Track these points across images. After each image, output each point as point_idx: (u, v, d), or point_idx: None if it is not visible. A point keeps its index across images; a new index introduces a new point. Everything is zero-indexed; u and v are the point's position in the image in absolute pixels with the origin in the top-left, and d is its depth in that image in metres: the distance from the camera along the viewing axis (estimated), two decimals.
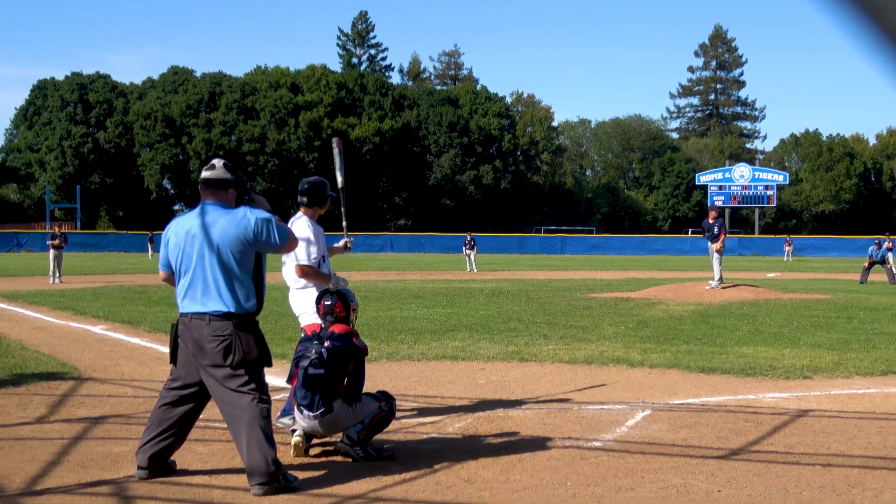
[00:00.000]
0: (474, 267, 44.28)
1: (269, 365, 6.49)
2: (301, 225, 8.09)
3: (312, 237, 8.04)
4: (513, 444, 7.62)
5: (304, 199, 8.30)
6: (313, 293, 8.02)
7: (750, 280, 31.84)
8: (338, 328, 7.32)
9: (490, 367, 11.96)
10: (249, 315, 6.39)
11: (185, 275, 6.43)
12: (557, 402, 9.54)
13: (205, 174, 6.58)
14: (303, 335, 7.33)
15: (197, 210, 6.55)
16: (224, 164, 6.66)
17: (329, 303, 7.44)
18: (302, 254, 7.90)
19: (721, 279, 24.58)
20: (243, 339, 6.28)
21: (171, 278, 6.61)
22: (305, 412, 7.08)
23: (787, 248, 69.60)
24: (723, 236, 24.96)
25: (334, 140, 9.27)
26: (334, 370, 7.07)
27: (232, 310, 6.30)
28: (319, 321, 7.62)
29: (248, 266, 6.42)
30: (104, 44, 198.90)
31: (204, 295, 6.33)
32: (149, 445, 6.49)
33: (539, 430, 8.16)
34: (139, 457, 6.52)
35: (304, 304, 8.10)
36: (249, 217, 6.42)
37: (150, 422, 6.62)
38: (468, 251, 45.14)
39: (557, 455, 7.20)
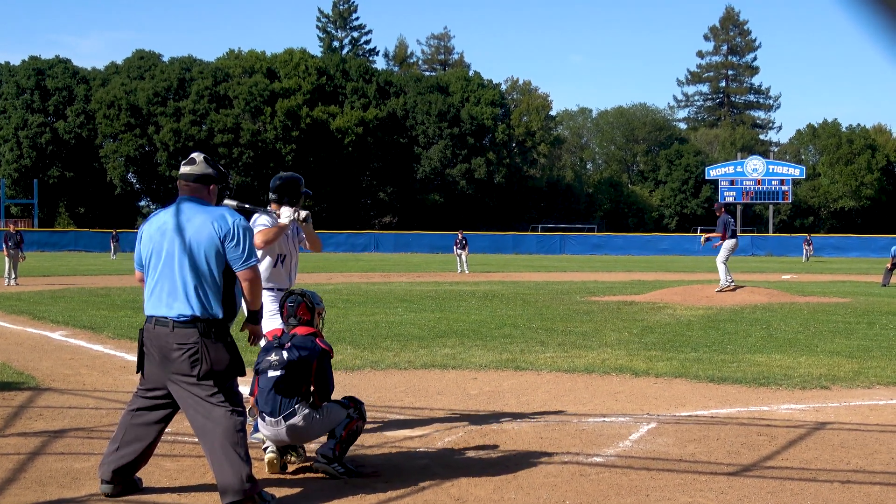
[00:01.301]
0: (465, 268, 44.33)
1: (242, 374, 6.49)
2: (260, 223, 8.26)
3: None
4: (507, 459, 7.63)
5: (275, 196, 8.45)
6: (270, 297, 8.16)
7: (763, 282, 31.89)
8: (300, 330, 7.37)
9: (483, 377, 11.96)
10: (219, 321, 6.38)
11: (153, 274, 6.44)
12: (555, 415, 9.56)
13: (184, 169, 6.61)
14: (264, 342, 7.37)
15: (173, 206, 6.57)
16: (205, 159, 6.70)
17: (292, 304, 7.48)
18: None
19: (727, 281, 24.45)
20: (210, 347, 6.27)
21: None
22: (268, 419, 7.10)
23: (806, 248, 69.47)
24: (722, 237, 24.74)
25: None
26: (295, 372, 7.12)
27: (198, 314, 6.28)
28: (280, 325, 7.71)
29: (222, 269, 6.42)
30: (64, 26, 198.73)
31: (170, 297, 6.33)
32: (114, 457, 6.47)
33: (535, 444, 8.18)
34: (102, 469, 6.49)
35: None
36: (227, 218, 6.43)
37: (117, 430, 6.61)
38: (459, 251, 45.22)
39: (555, 471, 7.21)
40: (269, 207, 8.44)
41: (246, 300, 6.59)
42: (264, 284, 8.09)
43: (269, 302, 8.13)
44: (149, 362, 6.45)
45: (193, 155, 6.72)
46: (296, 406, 7.08)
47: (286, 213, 8.34)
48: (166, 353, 6.28)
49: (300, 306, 7.46)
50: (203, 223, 6.37)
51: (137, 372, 6.60)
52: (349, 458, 7.26)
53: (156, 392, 6.53)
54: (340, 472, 7.02)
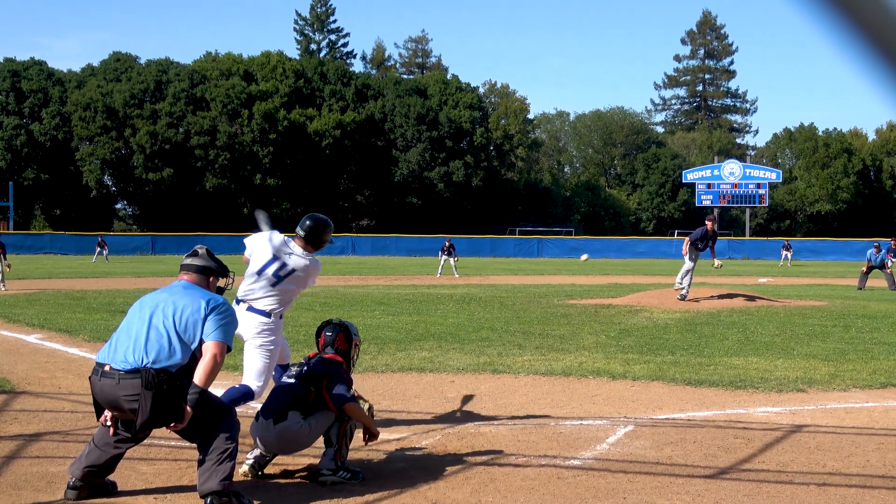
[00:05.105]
0: (455, 272, 43.95)
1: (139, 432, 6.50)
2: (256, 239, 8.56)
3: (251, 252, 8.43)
4: (485, 462, 7.63)
5: (302, 235, 8.51)
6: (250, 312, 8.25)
7: (740, 285, 32.02)
8: (332, 357, 7.54)
9: (460, 380, 11.97)
10: (162, 374, 6.30)
11: (120, 329, 6.66)
12: (533, 418, 9.57)
13: (187, 260, 6.96)
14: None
15: (175, 284, 6.86)
16: (207, 251, 7.03)
17: (330, 334, 7.71)
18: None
19: (680, 287, 24.29)
20: (145, 399, 6.22)
21: None
22: (261, 420, 7.17)
23: (785, 253, 69.49)
24: (686, 243, 24.77)
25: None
26: (307, 383, 7.24)
27: (144, 366, 6.31)
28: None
29: (185, 341, 6.45)
30: (39, 27, 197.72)
31: (122, 348, 6.47)
32: (90, 458, 6.51)
33: (513, 447, 8.19)
34: (73, 467, 6.50)
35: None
36: (217, 301, 6.66)
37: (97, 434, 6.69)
38: (445, 256, 44.48)
39: (533, 475, 7.22)
40: (292, 239, 8.49)
41: (197, 373, 6.46)
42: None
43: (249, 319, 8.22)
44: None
45: (196, 247, 7.06)
46: (289, 413, 7.13)
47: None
48: (116, 404, 6.37)
49: (338, 336, 7.69)
50: (190, 301, 6.58)
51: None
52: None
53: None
54: (347, 477, 7.04)
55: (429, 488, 6.84)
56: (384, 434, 8.69)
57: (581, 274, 47.27)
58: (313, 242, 8.47)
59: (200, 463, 6.34)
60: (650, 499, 6.56)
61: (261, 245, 8.36)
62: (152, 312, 6.52)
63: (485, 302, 25.22)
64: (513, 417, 9.58)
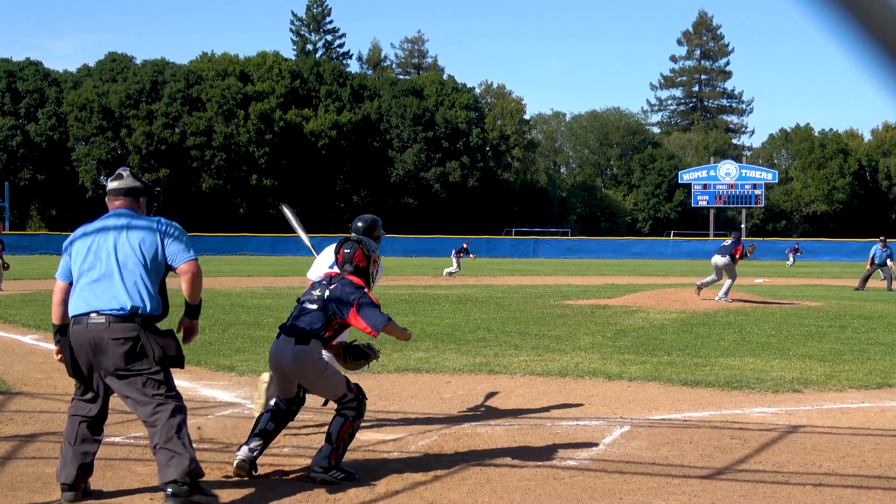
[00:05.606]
0: (459, 269, 44.30)
1: (181, 366, 6.63)
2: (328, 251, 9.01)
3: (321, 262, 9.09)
4: (481, 463, 7.63)
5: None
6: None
7: (736, 286, 32.01)
8: (352, 279, 7.45)
9: (456, 380, 11.97)
10: (154, 318, 6.49)
11: (88, 273, 6.51)
12: (529, 418, 9.57)
13: (112, 185, 6.80)
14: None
15: (108, 215, 6.74)
16: (131, 173, 6.93)
17: (349, 251, 7.58)
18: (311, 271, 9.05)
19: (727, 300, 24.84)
20: (151, 339, 6.36)
21: (68, 289, 6.65)
22: (283, 336, 7.19)
23: (791, 255, 69.76)
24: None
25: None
26: (329, 312, 7.21)
27: (138, 310, 6.38)
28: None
29: (159, 274, 6.59)
30: (35, 27, 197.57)
31: (106, 294, 6.40)
32: (74, 457, 6.53)
33: (509, 447, 8.18)
34: (64, 473, 6.50)
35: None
36: (164, 220, 6.70)
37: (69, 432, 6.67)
38: (462, 256, 44.97)
39: (529, 475, 7.21)
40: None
41: (185, 295, 6.71)
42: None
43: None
44: (83, 362, 6.48)
45: (119, 170, 6.93)
46: (312, 340, 7.12)
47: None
48: (102, 349, 6.32)
49: (356, 252, 7.54)
50: (145, 228, 6.58)
51: (72, 375, 6.64)
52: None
53: (92, 392, 6.62)
54: (340, 477, 6.97)
55: (425, 489, 6.83)
56: (380, 435, 8.69)
57: (577, 274, 47.29)
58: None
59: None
60: (646, 499, 6.56)
61: (325, 254, 9.02)
62: (113, 251, 6.49)
63: (481, 302, 25.21)
64: (509, 417, 9.58)
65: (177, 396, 6.41)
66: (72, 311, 6.46)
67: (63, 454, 6.54)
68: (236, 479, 7.06)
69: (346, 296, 7.23)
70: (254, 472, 7.17)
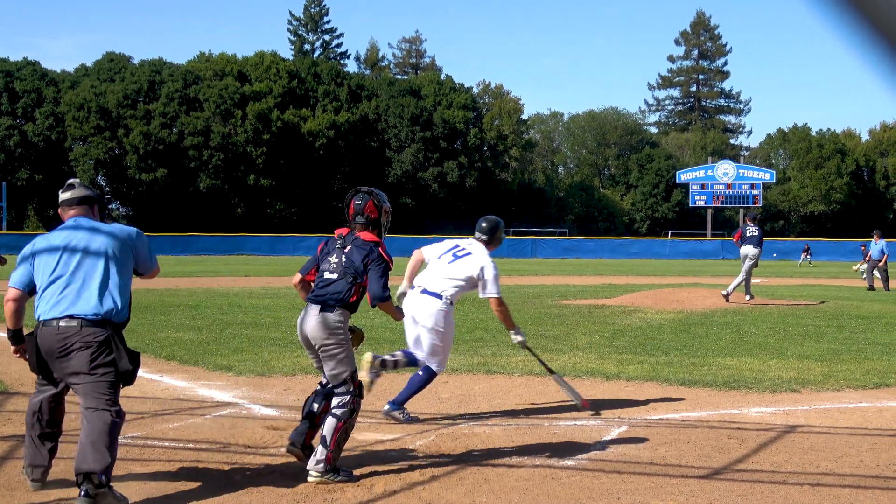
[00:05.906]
0: None
1: (131, 383, 6.70)
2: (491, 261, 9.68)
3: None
4: (479, 463, 7.63)
5: (485, 238, 9.92)
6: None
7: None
8: (365, 235, 7.50)
9: (454, 380, 11.96)
10: (123, 325, 6.65)
11: (57, 282, 6.57)
12: (527, 418, 9.57)
13: (66, 195, 6.95)
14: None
15: (69, 224, 6.82)
16: (81, 183, 7.13)
17: (359, 202, 7.63)
18: (494, 288, 9.73)
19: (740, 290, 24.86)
20: (119, 346, 6.48)
21: (24, 298, 6.75)
22: (311, 305, 7.29)
23: (804, 255, 70.87)
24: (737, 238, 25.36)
25: None
26: (348, 276, 7.31)
27: (111, 315, 6.49)
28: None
29: (127, 277, 6.73)
30: (33, 27, 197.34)
31: (79, 298, 6.48)
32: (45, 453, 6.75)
33: (507, 447, 8.18)
34: (35, 471, 6.73)
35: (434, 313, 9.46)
36: (130, 229, 6.91)
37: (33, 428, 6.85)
38: None
39: (527, 475, 7.21)
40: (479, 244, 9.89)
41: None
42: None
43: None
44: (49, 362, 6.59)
45: (70, 181, 7.17)
46: (336, 309, 7.24)
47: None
48: (69, 351, 6.40)
49: (368, 204, 7.59)
50: (111, 232, 6.74)
51: (36, 371, 6.80)
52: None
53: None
54: (337, 479, 6.98)
55: (423, 489, 6.83)
56: (377, 435, 8.69)
57: (575, 274, 47.26)
58: (491, 241, 9.85)
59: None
60: (644, 499, 6.56)
61: (444, 242, 9.99)
62: (85, 258, 6.58)
63: (478, 302, 25.11)
64: (506, 418, 9.58)
65: (120, 408, 6.47)
66: (42, 315, 6.55)
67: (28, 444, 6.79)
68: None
69: (359, 259, 7.36)
70: (305, 453, 7.26)
